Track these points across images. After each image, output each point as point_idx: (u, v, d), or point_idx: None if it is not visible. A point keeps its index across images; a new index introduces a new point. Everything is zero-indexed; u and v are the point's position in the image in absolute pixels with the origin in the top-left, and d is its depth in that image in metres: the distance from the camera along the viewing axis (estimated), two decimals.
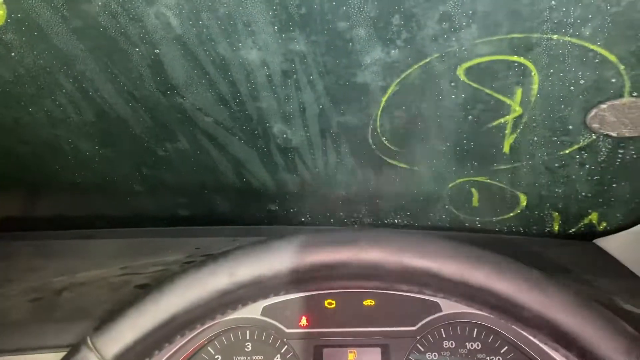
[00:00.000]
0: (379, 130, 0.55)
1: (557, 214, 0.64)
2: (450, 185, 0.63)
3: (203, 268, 0.32)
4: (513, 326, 0.33)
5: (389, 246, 0.31)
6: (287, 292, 0.32)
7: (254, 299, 0.33)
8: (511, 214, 0.66)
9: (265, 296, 0.33)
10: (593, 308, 0.30)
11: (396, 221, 0.72)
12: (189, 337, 0.50)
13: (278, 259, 0.31)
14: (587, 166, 0.55)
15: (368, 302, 0.52)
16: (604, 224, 0.65)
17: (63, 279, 0.59)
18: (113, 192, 0.70)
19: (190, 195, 0.71)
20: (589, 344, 0.30)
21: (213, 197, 0.71)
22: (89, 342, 0.31)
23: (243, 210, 0.73)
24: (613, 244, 0.65)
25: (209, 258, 0.32)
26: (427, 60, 0.46)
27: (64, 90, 0.52)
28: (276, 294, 0.32)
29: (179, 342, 0.50)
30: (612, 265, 0.63)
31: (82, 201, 0.73)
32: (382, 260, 0.31)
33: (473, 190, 0.63)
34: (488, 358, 0.50)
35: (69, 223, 0.76)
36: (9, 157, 0.63)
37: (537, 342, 0.48)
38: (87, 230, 0.75)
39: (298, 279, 0.31)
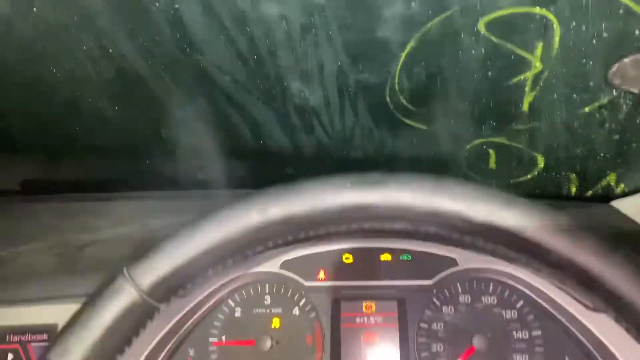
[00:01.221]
0: (397, 88, 0.54)
1: (574, 175, 0.64)
2: (467, 147, 0.63)
3: (236, 205, 0.33)
4: (538, 272, 0.33)
5: (419, 189, 0.31)
6: (316, 232, 0.33)
7: (284, 236, 0.33)
8: (528, 176, 0.66)
9: (295, 234, 0.33)
10: (621, 252, 0.30)
11: None
12: (209, 291, 0.52)
13: (309, 198, 0.32)
14: (607, 125, 0.55)
15: (385, 257, 0.53)
16: (622, 186, 0.64)
17: (85, 237, 0.61)
18: (132, 155, 0.71)
19: (208, 158, 0.71)
20: (616, 288, 0.30)
21: (231, 160, 0.72)
22: (126, 272, 0.32)
23: (260, 173, 0.74)
24: (630, 206, 0.65)
25: (242, 196, 0.33)
26: (448, 13, 0.45)
27: (84, 48, 0.52)
28: (306, 234, 0.33)
29: (199, 296, 0.51)
30: (629, 227, 0.63)
31: (102, 164, 0.75)
32: (412, 203, 0.31)
33: (491, 151, 0.63)
34: (504, 312, 0.51)
35: (89, 186, 0.77)
36: (30, 117, 0.64)
37: (554, 296, 0.48)
38: (106, 193, 0.76)
39: (327, 219, 0.32)
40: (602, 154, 0.59)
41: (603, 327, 0.46)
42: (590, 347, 0.48)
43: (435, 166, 0.67)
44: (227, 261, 0.34)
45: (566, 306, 0.47)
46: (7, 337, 0.50)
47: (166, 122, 0.63)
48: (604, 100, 0.52)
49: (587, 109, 0.53)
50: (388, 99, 0.56)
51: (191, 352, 0.52)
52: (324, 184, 0.32)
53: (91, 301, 0.33)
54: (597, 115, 0.54)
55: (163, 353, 0.51)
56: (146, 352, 0.49)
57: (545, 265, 0.32)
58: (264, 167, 0.72)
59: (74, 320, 0.32)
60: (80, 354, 0.31)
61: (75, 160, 0.74)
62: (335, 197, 0.32)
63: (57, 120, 0.65)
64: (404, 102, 0.56)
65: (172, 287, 0.33)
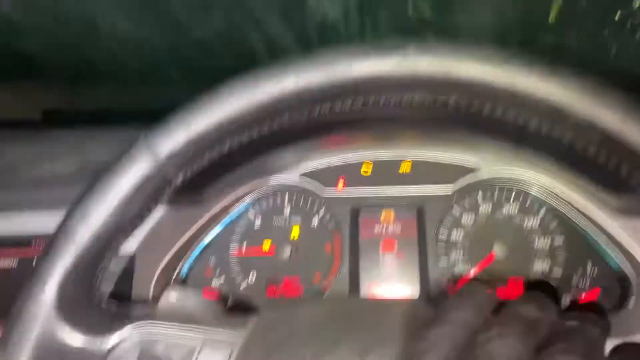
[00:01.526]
0: None
1: None
2: None
3: (251, 76, 0.32)
4: (556, 150, 0.32)
5: (437, 53, 0.30)
6: (333, 106, 0.32)
7: (299, 109, 0.33)
8: None
9: (310, 108, 0.33)
10: None
11: None
12: (229, 201, 0.52)
13: (323, 66, 0.31)
14: (638, 36, 0.53)
15: (404, 168, 0.53)
16: None
17: (106, 157, 0.61)
18: (151, 81, 0.71)
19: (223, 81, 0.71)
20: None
21: None
22: (143, 139, 0.33)
23: None
24: None
25: (255, 69, 0.33)
26: None
27: None
28: (322, 109, 0.32)
29: (219, 205, 0.51)
30: None
31: (121, 92, 0.75)
32: (429, 67, 0.30)
33: None
34: (526, 220, 0.50)
35: (109, 116, 0.77)
36: (50, 40, 0.64)
37: (577, 204, 0.47)
38: (126, 123, 0.77)
39: (343, 88, 0.31)
40: (632, 71, 0.57)
41: (630, 233, 0.45)
42: (615, 254, 0.47)
43: None
44: (243, 135, 0.33)
45: (591, 213, 0.46)
46: (34, 241, 0.52)
47: (183, 41, 0.63)
48: (635, 5, 0.50)
49: (616, 17, 0.51)
50: (410, 10, 0.54)
51: (211, 261, 0.52)
52: (340, 52, 0.32)
53: (108, 167, 0.33)
54: (628, 24, 0.52)
55: (182, 260, 0.51)
56: (166, 259, 0.49)
57: (567, 131, 0.30)
58: None
59: (91, 185, 0.33)
60: (97, 218, 0.32)
61: (94, 88, 0.74)
62: (350, 66, 0.31)
63: (75, 43, 0.65)
64: (427, 13, 0.54)
65: (190, 156, 0.33)
